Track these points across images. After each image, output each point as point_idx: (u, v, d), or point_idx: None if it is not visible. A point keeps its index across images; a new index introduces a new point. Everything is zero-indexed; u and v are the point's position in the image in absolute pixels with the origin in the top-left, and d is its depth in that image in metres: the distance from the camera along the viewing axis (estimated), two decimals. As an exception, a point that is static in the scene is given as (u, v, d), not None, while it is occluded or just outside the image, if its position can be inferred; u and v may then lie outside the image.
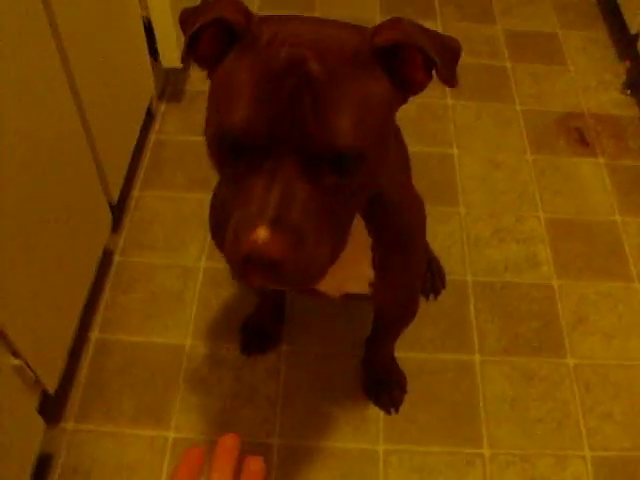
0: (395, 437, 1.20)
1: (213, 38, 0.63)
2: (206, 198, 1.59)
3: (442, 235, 1.43)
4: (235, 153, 0.59)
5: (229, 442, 0.57)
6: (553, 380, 1.27)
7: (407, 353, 1.28)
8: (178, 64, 1.54)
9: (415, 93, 0.64)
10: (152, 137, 1.60)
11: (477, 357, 1.29)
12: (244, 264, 0.57)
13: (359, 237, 0.78)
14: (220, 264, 1.39)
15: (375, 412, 1.23)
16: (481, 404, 1.23)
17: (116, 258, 1.40)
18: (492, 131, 1.64)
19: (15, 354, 0.99)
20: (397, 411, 1.23)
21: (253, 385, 1.25)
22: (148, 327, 1.31)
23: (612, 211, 1.51)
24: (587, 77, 1.79)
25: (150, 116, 1.62)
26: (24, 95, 0.95)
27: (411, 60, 0.61)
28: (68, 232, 1.14)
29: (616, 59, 1.84)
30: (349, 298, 0.95)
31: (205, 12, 0.63)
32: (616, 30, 1.92)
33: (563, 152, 1.61)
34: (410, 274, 0.92)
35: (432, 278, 1.36)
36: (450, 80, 0.61)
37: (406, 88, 0.63)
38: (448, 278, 1.38)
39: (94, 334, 1.30)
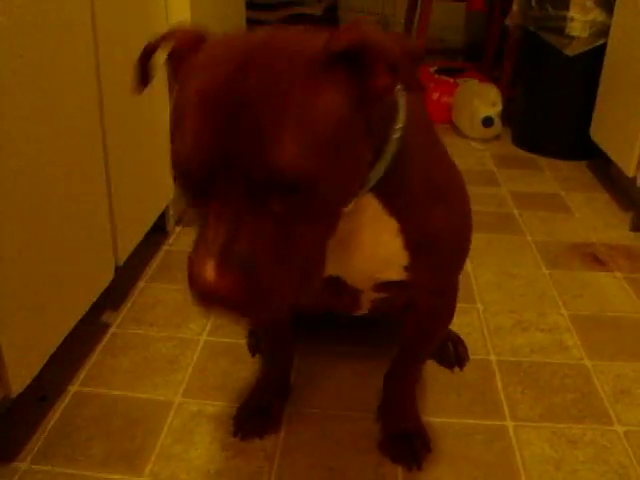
0: (417, 495, 0.98)
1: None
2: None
3: (459, 325, 1.32)
4: (187, 190, 0.57)
5: None
6: (602, 445, 1.06)
7: (429, 417, 1.11)
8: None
9: (380, 98, 0.60)
10: (164, 248, 1.60)
11: (509, 422, 1.10)
12: (203, 299, 0.56)
13: (379, 222, 0.75)
14: (224, 338, 1.29)
15: (392, 470, 1.02)
16: (519, 465, 1.02)
17: (112, 330, 1.30)
18: (504, 253, 1.63)
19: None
20: (420, 467, 1.02)
21: (248, 440, 1.06)
22: (135, 385, 1.16)
23: (638, 309, 1.41)
24: (594, 221, 1.83)
25: (164, 233, 1.65)
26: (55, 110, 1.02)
27: (372, 64, 0.57)
28: (71, 265, 1.11)
29: (619, 211, 1.89)
30: (379, 301, 0.90)
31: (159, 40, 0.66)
32: (616, 191, 2.01)
33: (579, 268, 1.57)
34: (453, 238, 0.84)
35: (454, 348, 1.23)
36: (411, 85, 0.57)
37: (371, 93, 0.59)
38: (470, 358, 1.25)
39: (73, 387, 1.15)
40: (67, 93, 1.06)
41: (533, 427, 1.10)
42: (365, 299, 0.90)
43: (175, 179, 0.58)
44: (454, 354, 1.23)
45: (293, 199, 0.54)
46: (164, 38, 0.65)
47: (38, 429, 1.07)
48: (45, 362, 1.04)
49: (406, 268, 0.80)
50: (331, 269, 0.74)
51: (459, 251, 0.88)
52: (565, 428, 1.10)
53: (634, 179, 1.76)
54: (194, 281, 0.55)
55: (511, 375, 1.22)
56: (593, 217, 1.86)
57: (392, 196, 0.73)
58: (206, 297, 0.55)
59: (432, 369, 1.23)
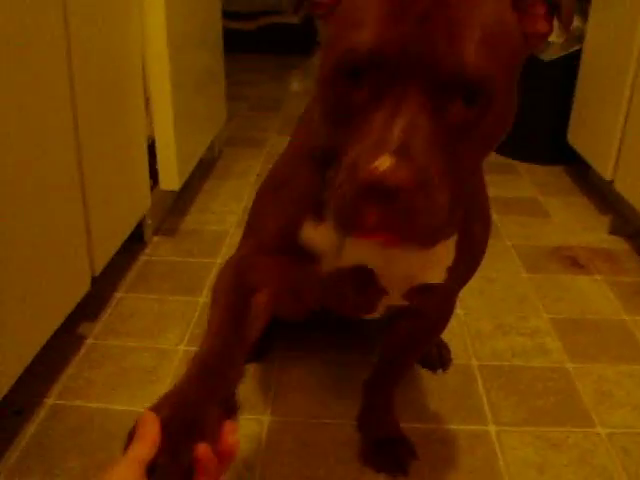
0: (401, 502, 0.96)
1: None
2: (192, 301, 1.61)
3: (441, 330, 1.32)
4: (356, 80, 0.55)
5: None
6: (585, 447, 1.06)
7: (411, 424, 1.10)
8: (176, 187, 1.60)
9: (535, 46, 0.64)
10: (142, 258, 1.58)
11: (492, 427, 1.10)
12: (360, 199, 0.52)
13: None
14: (201, 348, 1.27)
15: (374, 478, 1.01)
16: (503, 470, 1.02)
17: (88, 341, 1.28)
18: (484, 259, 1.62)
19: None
20: (406, 474, 1.01)
21: None
22: (112, 397, 1.14)
23: (618, 312, 1.42)
24: (572, 224, 1.84)
25: (142, 243, 1.63)
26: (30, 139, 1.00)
27: (535, 11, 0.61)
28: (45, 276, 1.09)
29: (598, 214, 1.90)
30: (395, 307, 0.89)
31: None
32: (594, 195, 2.02)
33: (558, 272, 1.57)
34: (478, 258, 0.86)
35: (438, 351, 1.23)
36: (568, 25, 0.64)
37: (527, 39, 0.62)
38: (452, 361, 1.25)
39: (49, 400, 1.13)
40: (40, 97, 1.03)
41: (516, 431, 1.10)
42: (385, 302, 0.85)
43: (330, 72, 0.57)
44: (438, 357, 1.23)
45: (470, 112, 0.54)
46: None
47: (13, 443, 1.04)
48: (20, 374, 1.02)
49: (449, 269, 0.78)
50: (374, 259, 0.75)
51: (482, 258, 0.88)
52: (548, 432, 1.10)
53: (612, 182, 1.77)
54: (357, 173, 0.51)
55: (493, 380, 1.22)
56: (571, 221, 1.87)
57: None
58: (369, 195, 0.51)
59: (412, 375, 1.23)
